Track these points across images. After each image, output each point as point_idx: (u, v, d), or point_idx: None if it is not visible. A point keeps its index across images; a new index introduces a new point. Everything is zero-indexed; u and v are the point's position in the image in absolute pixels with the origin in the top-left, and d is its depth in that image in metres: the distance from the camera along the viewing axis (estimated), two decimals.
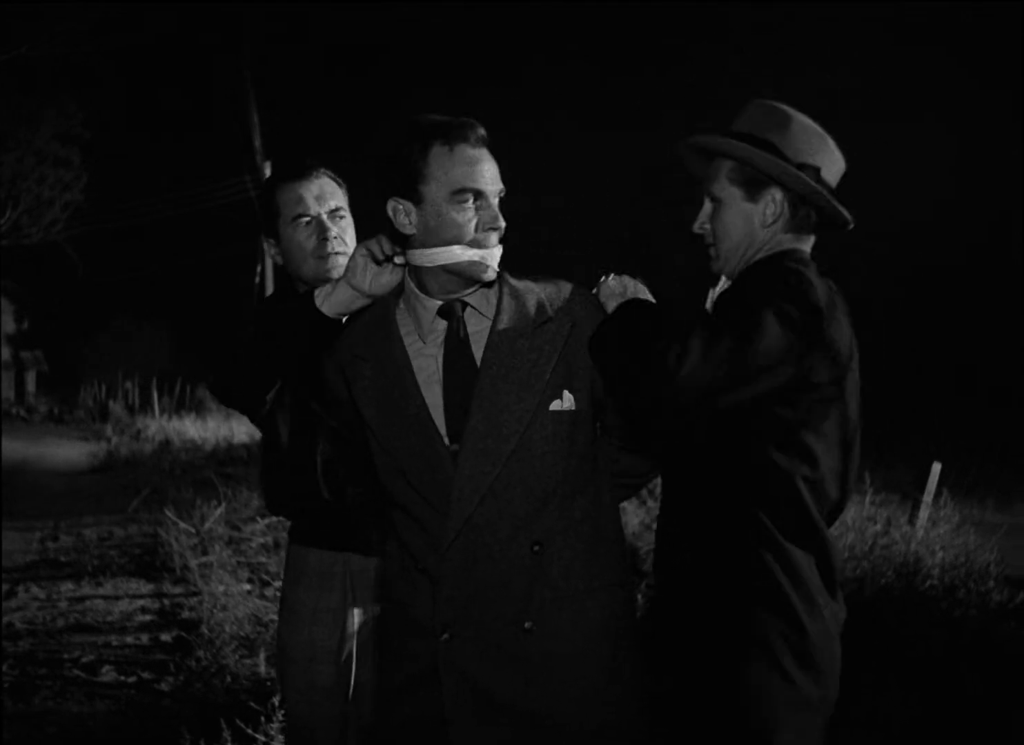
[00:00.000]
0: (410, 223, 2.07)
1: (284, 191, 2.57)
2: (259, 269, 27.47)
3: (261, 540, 8.45)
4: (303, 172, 2.58)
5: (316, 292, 2.20)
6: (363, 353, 2.18)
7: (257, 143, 28.22)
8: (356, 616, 2.58)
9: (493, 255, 2.07)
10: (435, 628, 2.10)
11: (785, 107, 2.33)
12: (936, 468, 6.62)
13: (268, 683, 4.64)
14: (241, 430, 18.95)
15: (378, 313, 2.21)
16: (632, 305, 2.12)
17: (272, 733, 3.72)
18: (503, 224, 2.07)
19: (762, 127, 2.29)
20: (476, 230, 2.05)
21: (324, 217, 2.55)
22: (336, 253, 2.54)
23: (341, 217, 2.59)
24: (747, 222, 2.27)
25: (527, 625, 2.07)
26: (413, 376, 2.12)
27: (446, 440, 2.10)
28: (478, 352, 2.11)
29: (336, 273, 2.51)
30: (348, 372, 2.20)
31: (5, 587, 7.40)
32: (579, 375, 2.12)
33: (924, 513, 6.49)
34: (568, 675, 2.08)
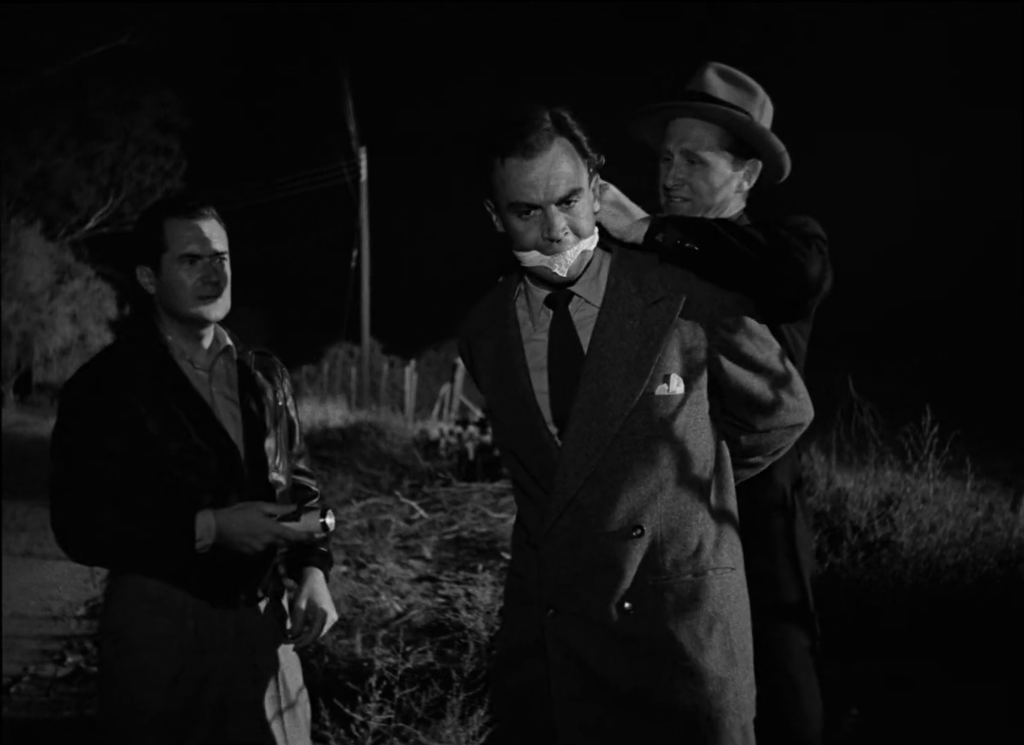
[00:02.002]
0: (498, 226, 2.15)
1: (175, 227, 2.53)
2: (355, 254, 27.83)
3: (356, 523, 8.59)
4: (196, 211, 2.55)
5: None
6: (485, 331, 2.28)
7: (352, 128, 28.53)
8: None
9: (558, 260, 2.08)
10: (542, 603, 2.15)
11: (743, 75, 2.64)
12: None
13: (364, 664, 4.71)
14: (336, 414, 19.20)
15: (500, 297, 2.30)
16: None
17: (369, 713, 3.78)
18: (561, 234, 2.05)
19: (739, 98, 2.61)
20: (537, 239, 2.07)
21: (209, 260, 2.55)
22: (215, 296, 2.56)
23: (223, 260, 2.59)
24: (729, 185, 2.65)
25: (627, 606, 2.09)
26: (524, 359, 2.19)
27: (551, 426, 2.15)
28: (586, 337, 2.14)
29: (212, 314, 2.55)
30: (472, 349, 2.32)
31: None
32: (692, 355, 2.12)
33: None
34: (673, 658, 2.08)
